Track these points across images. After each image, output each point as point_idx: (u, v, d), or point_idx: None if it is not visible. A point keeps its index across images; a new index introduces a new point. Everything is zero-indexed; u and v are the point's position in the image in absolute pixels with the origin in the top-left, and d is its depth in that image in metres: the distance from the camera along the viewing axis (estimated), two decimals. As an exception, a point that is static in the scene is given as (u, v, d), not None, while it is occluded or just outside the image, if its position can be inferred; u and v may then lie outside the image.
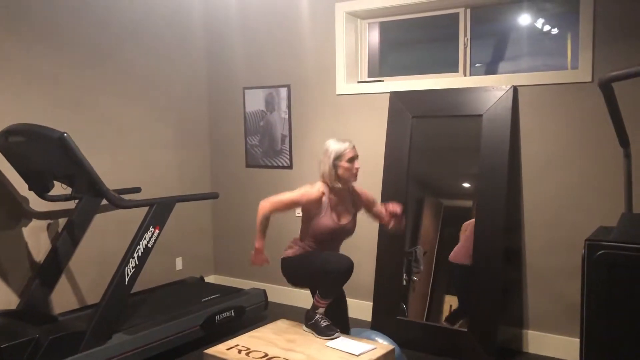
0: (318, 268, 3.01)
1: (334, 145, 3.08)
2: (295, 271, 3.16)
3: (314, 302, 3.09)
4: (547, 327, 3.64)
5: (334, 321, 3.09)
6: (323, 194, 3.06)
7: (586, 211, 3.46)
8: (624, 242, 2.40)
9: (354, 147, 3.10)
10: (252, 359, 2.85)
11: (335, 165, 3.05)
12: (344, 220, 3.14)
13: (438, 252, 3.87)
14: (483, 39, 4.08)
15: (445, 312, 3.78)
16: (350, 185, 3.18)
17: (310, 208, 3.06)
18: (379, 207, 3.31)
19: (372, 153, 4.16)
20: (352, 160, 3.07)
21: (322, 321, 3.05)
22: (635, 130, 3.11)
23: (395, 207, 3.18)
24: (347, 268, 2.98)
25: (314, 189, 3.06)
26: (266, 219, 3.07)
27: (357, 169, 3.10)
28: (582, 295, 2.47)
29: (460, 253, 3.74)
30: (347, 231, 3.18)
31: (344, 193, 3.15)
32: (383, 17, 4.35)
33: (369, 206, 3.29)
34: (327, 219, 3.07)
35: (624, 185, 2.95)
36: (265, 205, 3.06)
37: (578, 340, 2.54)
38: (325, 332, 3.02)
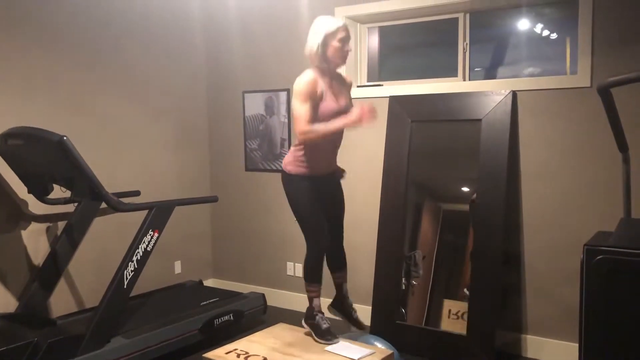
0: (299, 217, 3.01)
1: (325, 23, 2.88)
2: (290, 195, 3.07)
3: (307, 295, 3.09)
4: (546, 332, 3.64)
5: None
6: (316, 77, 2.89)
7: (585, 216, 3.47)
8: (623, 247, 2.40)
9: (346, 28, 2.91)
10: (250, 363, 2.85)
11: (324, 43, 2.86)
12: (342, 101, 2.99)
13: (437, 256, 3.87)
14: (482, 44, 4.09)
15: (445, 317, 3.78)
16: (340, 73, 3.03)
17: (314, 93, 2.86)
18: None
19: (371, 157, 4.16)
20: (342, 40, 2.88)
21: (323, 323, 3.05)
22: (634, 135, 3.12)
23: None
24: (318, 228, 3.00)
25: (303, 75, 2.88)
26: (312, 131, 2.82)
27: (347, 51, 2.92)
28: (581, 300, 2.47)
29: None
30: (346, 114, 3.00)
31: (333, 74, 3.01)
32: (383, 22, 4.36)
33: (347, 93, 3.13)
34: (329, 102, 2.91)
35: (622, 190, 2.95)
36: (298, 129, 2.85)
37: (577, 345, 2.54)
38: (324, 336, 3.02)
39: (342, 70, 3.13)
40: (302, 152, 3.00)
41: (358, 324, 3.29)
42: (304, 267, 3.10)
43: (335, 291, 3.36)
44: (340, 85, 3.07)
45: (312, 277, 3.10)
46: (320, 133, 2.85)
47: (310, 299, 3.10)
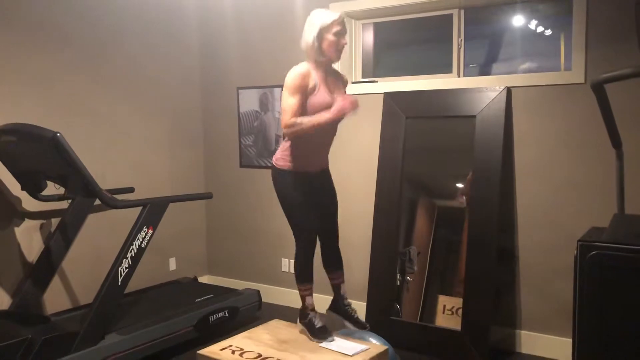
0: (288, 213, 3.00)
1: (320, 16, 2.84)
2: (280, 193, 3.05)
3: (299, 294, 3.10)
4: (540, 328, 3.66)
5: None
6: (309, 69, 2.86)
7: (578, 212, 3.48)
8: (616, 242, 2.42)
9: (342, 21, 2.87)
10: (245, 359, 2.85)
11: (320, 37, 2.83)
12: (336, 96, 2.93)
13: (432, 252, 3.88)
14: (477, 40, 4.09)
15: (439, 313, 3.79)
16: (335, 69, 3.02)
17: (306, 85, 2.83)
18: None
19: (366, 153, 4.16)
20: (338, 34, 2.85)
21: (317, 322, 3.05)
22: (628, 131, 3.12)
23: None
24: (305, 224, 2.99)
25: (297, 67, 2.85)
26: (297, 124, 2.79)
27: (343, 44, 2.89)
28: (575, 296, 2.48)
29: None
30: (329, 128, 2.99)
31: (328, 69, 2.99)
32: (377, 18, 4.36)
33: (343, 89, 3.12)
34: (322, 95, 2.87)
35: (616, 186, 2.97)
36: (283, 122, 2.81)
37: (570, 340, 2.56)
38: (318, 335, 3.02)
39: (337, 67, 3.10)
40: (293, 147, 2.97)
41: (360, 325, 3.23)
42: (295, 266, 3.09)
43: (333, 292, 3.32)
44: (335, 81, 3.05)
45: (302, 276, 3.08)
46: (305, 126, 2.80)
47: (303, 298, 3.09)
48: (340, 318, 3.27)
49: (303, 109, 2.84)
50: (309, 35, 2.86)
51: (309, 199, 3.03)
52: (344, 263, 3.26)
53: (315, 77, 2.87)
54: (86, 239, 4.02)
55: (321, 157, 3.11)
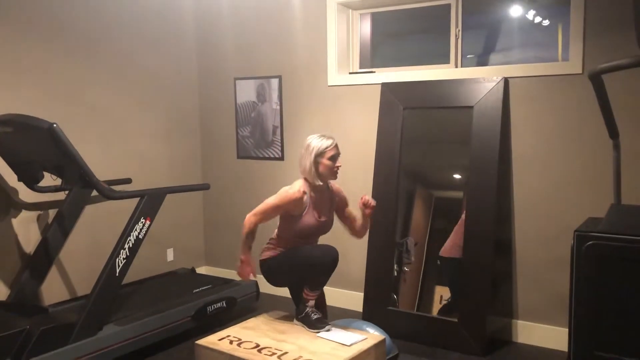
0: (303, 262, 3.01)
1: (316, 142, 3.05)
2: (279, 269, 3.15)
3: (302, 296, 3.10)
4: (537, 318, 3.68)
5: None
6: (304, 193, 3.04)
7: (575, 202, 3.49)
8: (613, 233, 2.43)
9: (336, 145, 3.08)
10: (243, 349, 2.86)
11: (316, 162, 3.03)
12: (324, 217, 3.14)
13: (429, 243, 3.89)
14: (474, 31, 4.08)
15: (436, 303, 3.81)
16: (328, 183, 3.18)
17: (293, 209, 3.04)
18: (350, 210, 3.31)
19: (364, 144, 4.16)
20: (333, 158, 3.05)
21: (313, 314, 3.06)
22: (625, 122, 3.13)
23: (369, 199, 3.15)
24: (332, 259, 3.00)
25: (294, 189, 3.04)
26: (252, 233, 3.11)
27: (337, 167, 3.08)
28: (571, 286, 2.50)
29: (448, 247, 3.75)
30: (327, 227, 3.20)
31: (323, 189, 3.15)
32: (375, 8, 4.34)
33: (342, 205, 3.28)
34: (309, 217, 3.07)
35: (612, 177, 2.97)
36: (251, 219, 3.08)
37: (567, 330, 2.57)
38: (316, 325, 3.03)
39: (335, 183, 3.25)
40: (283, 235, 3.15)
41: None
42: (314, 278, 3.08)
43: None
44: (328, 199, 3.18)
45: (317, 287, 3.12)
46: (244, 238, 3.13)
47: (306, 300, 3.10)
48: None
49: (288, 220, 3.10)
50: (306, 161, 3.05)
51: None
52: (341, 253, 3.24)
53: (306, 200, 3.05)
54: (83, 230, 4.02)
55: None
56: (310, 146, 3.05)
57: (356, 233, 3.33)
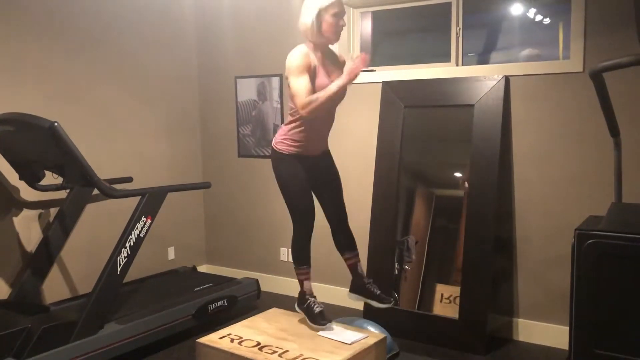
0: (289, 203, 3.00)
1: None
2: (278, 175, 3.04)
3: (297, 278, 3.11)
4: (537, 316, 3.68)
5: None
6: (308, 52, 2.83)
7: (576, 200, 3.49)
8: (613, 231, 2.43)
9: (341, 1, 2.84)
10: (244, 348, 2.86)
11: (319, 19, 2.81)
12: (335, 78, 2.88)
13: (429, 241, 3.89)
14: (475, 29, 4.08)
15: (437, 301, 3.81)
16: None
17: (307, 62, 2.80)
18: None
19: (364, 142, 4.16)
20: (337, 15, 2.82)
21: (315, 306, 3.05)
22: (626, 120, 3.13)
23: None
24: (303, 209, 2.99)
25: (295, 49, 2.83)
26: (314, 100, 2.75)
27: (342, 25, 2.88)
28: (572, 284, 2.50)
29: None
30: (340, 94, 2.94)
31: (328, 51, 2.97)
32: (376, 6, 4.34)
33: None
34: (321, 78, 2.85)
35: (613, 175, 2.97)
36: (298, 103, 2.77)
37: (567, 328, 2.57)
38: (317, 320, 3.02)
39: (335, 48, 3.07)
40: (295, 130, 2.95)
41: (385, 300, 3.16)
42: (292, 249, 3.09)
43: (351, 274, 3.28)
44: (333, 63, 3.02)
45: (300, 259, 3.09)
46: (322, 100, 2.76)
47: (301, 282, 3.10)
48: (362, 298, 3.24)
49: (312, 88, 2.80)
50: (307, 17, 2.84)
51: (310, 182, 3.03)
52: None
53: (314, 59, 2.85)
54: (85, 229, 4.02)
55: (322, 140, 3.10)
56: (312, 2, 2.81)
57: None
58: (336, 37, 2.89)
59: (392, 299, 3.18)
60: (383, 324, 3.48)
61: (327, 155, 3.18)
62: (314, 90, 2.80)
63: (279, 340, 2.94)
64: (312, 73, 2.82)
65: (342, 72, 2.93)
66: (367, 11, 4.41)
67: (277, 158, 3.03)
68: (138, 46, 4.47)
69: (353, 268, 3.25)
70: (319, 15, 2.82)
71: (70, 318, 3.19)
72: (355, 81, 4.15)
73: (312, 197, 3.06)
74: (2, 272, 3.66)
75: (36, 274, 3.62)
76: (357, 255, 3.26)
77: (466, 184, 3.72)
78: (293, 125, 2.96)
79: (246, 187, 4.85)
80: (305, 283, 3.09)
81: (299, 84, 2.77)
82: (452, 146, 3.92)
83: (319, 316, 3.04)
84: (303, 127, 2.94)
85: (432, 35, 4.39)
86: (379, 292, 3.19)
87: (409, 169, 3.99)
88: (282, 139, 3.00)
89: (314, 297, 3.11)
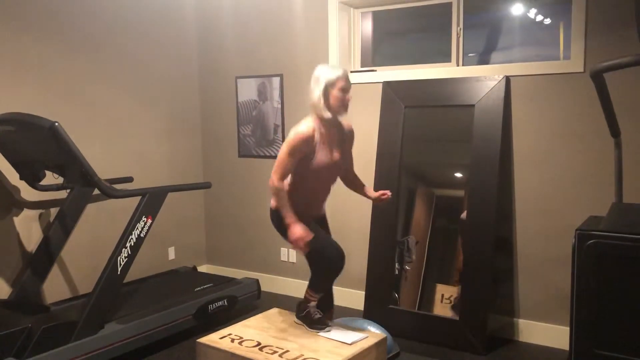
0: (316, 247, 2.92)
1: (326, 72, 2.87)
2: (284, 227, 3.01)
3: (305, 296, 3.09)
4: (538, 316, 3.68)
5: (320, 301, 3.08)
6: (314, 129, 2.87)
7: (577, 201, 3.49)
8: (614, 231, 2.42)
9: (347, 77, 2.90)
10: (244, 348, 2.86)
11: (326, 93, 2.86)
12: (337, 155, 2.98)
13: (430, 241, 3.89)
14: (476, 29, 4.08)
15: (437, 302, 3.81)
16: (339, 118, 3.01)
17: (305, 148, 2.86)
18: (351, 159, 3.19)
19: (365, 143, 4.15)
20: (344, 90, 2.88)
21: (315, 314, 3.06)
22: (626, 120, 3.13)
23: (390, 195, 3.13)
24: (338, 256, 2.94)
25: (302, 127, 2.87)
26: (280, 192, 2.87)
27: (348, 99, 2.92)
28: (572, 284, 2.50)
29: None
30: (339, 167, 3.04)
31: (333, 124, 2.98)
32: (376, 7, 4.34)
33: (350, 144, 3.14)
34: (321, 156, 2.90)
35: (614, 175, 2.97)
36: (273, 178, 2.87)
37: (568, 328, 2.57)
38: (316, 326, 3.02)
39: (344, 119, 3.09)
40: (291, 193, 2.95)
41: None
42: (318, 279, 3.04)
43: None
44: (339, 135, 3.04)
45: (323, 290, 3.08)
46: (280, 204, 2.89)
47: (308, 301, 3.09)
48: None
49: (301, 167, 2.90)
50: (315, 93, 2.88)
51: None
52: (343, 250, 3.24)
53: (317, 137, 2.89)
54: (85, 229, 4.02)
55: (320, 205, 3.13)
56: (319, 77, 2.87)
57: (348, 182, 3.21)
58: (344, 110, 2.94)
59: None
60: (383, 324, 3.48)
61: (323, 220, 3.20)
62: (313, 165, 2.88)
63: (279, 340, 2.94)
64: (312, 153, 2.88)
65: (345, 148, 3.05)
66: (367, 11, 4.42)
67: (277, 217, 2.99)
68: (139, 46, 4.47)
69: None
70: (326, 91, 2.87)
71: (71, 318, 3.19)
72: (355, 81, 4.19)
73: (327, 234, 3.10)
74: (2, 272, 3.66)
75: (37, 274, 3.62)
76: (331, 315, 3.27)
77: (464, 216, 3.72)
78: (290, 188, 2.97)
79: (246, 187, 4.85)
80: (312, 303, 3.08)
81: (284, 162, 2.87)
82: (453, 146, 3.92)
83: (318, 322, 3.03)
84: (302, 192, 2.98)
85: (433, 35, 4.39)
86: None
87: (409, 169, 3.99)
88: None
89: (314, 307, 3.09)
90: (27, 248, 3.78)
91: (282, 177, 2.88)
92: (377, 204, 3.17)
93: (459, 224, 3.76)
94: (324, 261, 2.95)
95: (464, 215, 3.71)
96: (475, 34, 4.07)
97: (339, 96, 2.88)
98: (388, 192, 3.14)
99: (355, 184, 3.26)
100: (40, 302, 3.75)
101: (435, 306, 3.80)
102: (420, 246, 3.91)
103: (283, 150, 2.88)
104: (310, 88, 2.92)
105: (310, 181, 2.96)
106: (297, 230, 2.87)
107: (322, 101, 2.87)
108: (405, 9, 4.23)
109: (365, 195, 3.22)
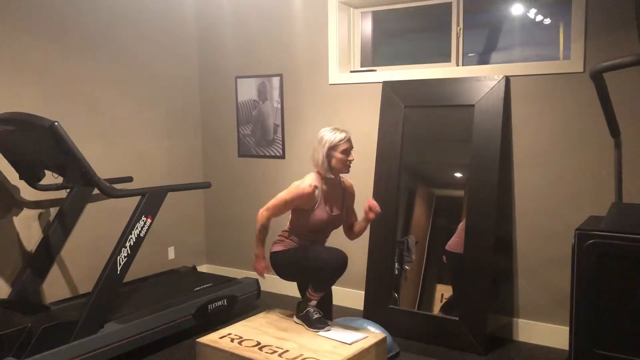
0: (312, 263, 2.99)
1: (329, 135, 3.01)
2: (287, 266, 3.12)
3: (306, 295, 3.10)
4: (537, 316, 3.68)
5: (318, 306, 3.10)
6: (315, 187, 3.01)
7: (576, 201, 3.49)
8: (614, 231, 2.43)
9: (349, 139, 3.03)
10: (244, 347, 2.86)
11: (329, 155, 2.99)
12: (336, 211, 3.12)
13: (430, 241, 3.89)
14: (476, 29, 4.08)
15: (437, 301, 3.81)
16: (340, 177, 3.16)
17: (304, 203, 3.02)
18: (353, 208, 3.30)
19: (365, 143, 4.16)
20: (346, 151, 3.01)
21: (314, 313, 3.06)
22: (626, 120, 3.13)
23: (376, 204, 3.13)
24: (342, 263, 2.97)
25: (305, 183, 3.01)
26: (265, 228, 3.10)
27: (350, 160, 3.04)
28: (572, 284, 2.50)
29: (454, 242, 3.75)
30: (338, 221, 3.17)
31: (335, 183, 3.13)
32: (376, 6, 4.34)
33: (351, 201, 3.26)
34: (320, 212, 3.04)
35: (614, 175, 2.97)
36: (263, 213, 3.07)
37: (567, 328, 2.57)
38: (316, 325, 3.03)
39: (346, 177, 3.22)
40: (293, 230, 3.12)
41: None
42: (320, 280, 3.05)
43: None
44: (340, 193, 3.16)
45: (325, 289, 3.12)
46: (258, 235, 3.13)
47: (309, 300, 3.09)
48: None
49: (301, 216, 3.06)
50: (318, 154, 3.02)
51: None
52: (343, 249, 3.24)
53: (318, 195, 3.02)
54: (85, 228, 4.02)
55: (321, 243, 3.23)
56: (323, 139, 3.00)
57: (351, 233, 3.32)
58: (346, 170, 3.07)
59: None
60: (383, 324, 3.48)
61: None
62: (311, 218, 3.03)
63: (279, 340, 2.94)
64: (311, 207, 3.03)
65: (348, 202, 3.21)
66: (367, 11, 4.42)
67: (275, 257, 3.14)
68: (138, 46, 4.47)
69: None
70: (329, 153, 2.99)
71: (71, 317, 3.19)
72: (355, 81, 4.19)
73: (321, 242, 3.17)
74: (2, 272, 3.66)
75: (36, 274, 3.62)
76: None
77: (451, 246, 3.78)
78: (294, 236, 3.14)
79: (246, 186, 4.85)
80: (313, 302, 3.09)
81: (279, 205, 3.05)
82: (453, 146, 3.92)
83: (317, 321, 3.04)
84: (305, 239, 3.11)
85: (433, 35, 4.39)
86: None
87: (409, 169, 3.99)
88: (279, 240, 3.17)
89: (314, 307, 3.10)
90: (26, 248, 3.78)
91: (272, 217, 3.08)
92: (374, 218, 3.16)
93: (446, 256, 3.80)
94: (321, 271, 3.00)
95: (450, 244, 3.76)
96: (475, 34, 4.07)
97: (341, 158, 3.01)
98: (377, 207, 3.12)
99: (353, 231, 3.32)
100: (40, 301, 3.75)
101: (435, 306, 3.80)
102: (420, 246, 3.91)
103: (283, 196, 3.04)
104: (313, 147, 3.05)
105: (308, 228, 3.09)
106: (259, 265, 3.18)
107: (325, 162, 3.00)
108: (405, 9, 4.23)
109: (364, 225, 3.26)
